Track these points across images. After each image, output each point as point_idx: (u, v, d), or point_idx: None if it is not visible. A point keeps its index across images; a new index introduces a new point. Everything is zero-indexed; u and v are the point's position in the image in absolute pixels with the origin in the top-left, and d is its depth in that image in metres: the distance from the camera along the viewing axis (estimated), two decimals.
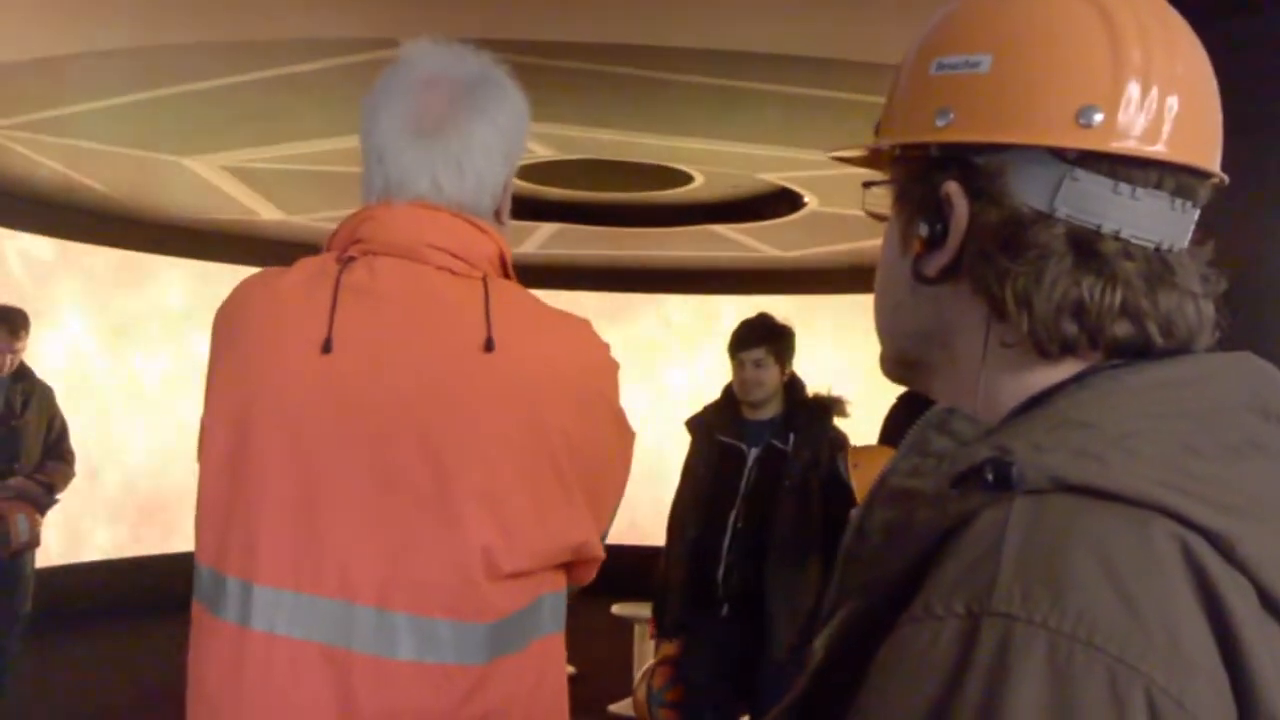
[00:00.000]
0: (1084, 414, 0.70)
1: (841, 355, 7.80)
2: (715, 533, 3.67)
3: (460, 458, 1.28)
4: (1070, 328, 0.74)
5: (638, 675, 3.95)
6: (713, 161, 6.30)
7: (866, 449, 3.34)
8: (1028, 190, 0.75)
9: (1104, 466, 0.66)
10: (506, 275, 1.43)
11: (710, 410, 3.87)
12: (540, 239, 8.37)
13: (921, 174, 0.80)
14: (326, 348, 1.30)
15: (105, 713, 5.69)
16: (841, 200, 6.65)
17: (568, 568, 1.41)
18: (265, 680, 1.29)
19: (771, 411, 3.73)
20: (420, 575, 1.28)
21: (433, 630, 1.28)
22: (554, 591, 1.39)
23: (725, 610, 3.65)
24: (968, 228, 0.77)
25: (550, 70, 4.48)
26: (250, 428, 1.32)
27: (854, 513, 0.78)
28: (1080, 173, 0.74)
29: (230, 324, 1.40)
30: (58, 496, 4.97)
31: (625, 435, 1.47)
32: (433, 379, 1.30)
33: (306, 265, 1.39)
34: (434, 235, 1.36)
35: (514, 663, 1.33)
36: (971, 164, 0.77)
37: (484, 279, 1.36)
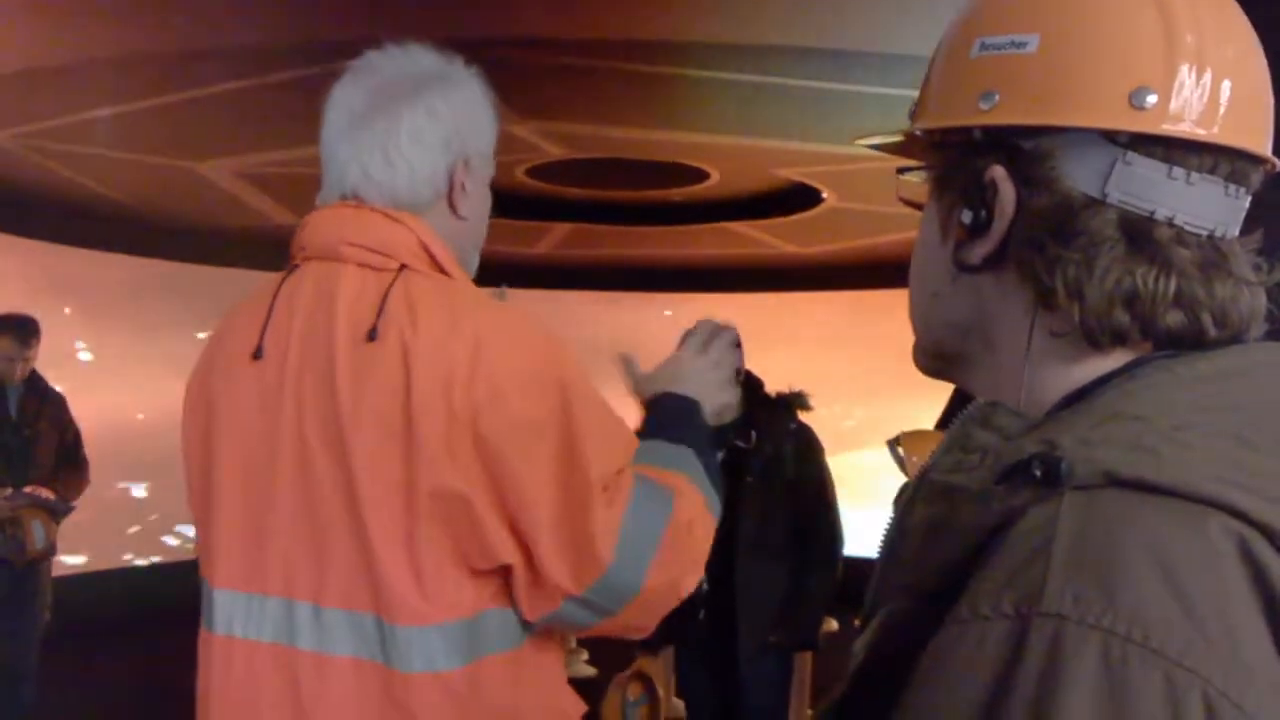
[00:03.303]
0: (1135, 406, 0.67)
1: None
2: None
3: (358, 455, 1.29)
4: (1122, 317, 0.72)
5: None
6: (729, 157, 6.27)
7: (915, 434, 3.29)
8: (1078, 175, 0.73)
9: (1158, 460, 0.63)
10: (437, 266, 1.38)
11: None
12: (555, 239, 8.35)
13: (963, 159, 0.77)
14: (256, 355, 1.37)
15: None
16: (860, 195, 6.62)
17: (512, 588, 1.33)
18: (229, 682, 1.35)
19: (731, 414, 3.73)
20: (343, 573, 1.30)
21: (362, 626, 1.30)
22: (499, 608, 1.34)
23: (702, 615, 3.67)
24: (1015, 214, 0.75)
25: (560, 68, 4.46)
26: (210, 438, 1.41)
27: (894, 511, 0.76)
28: (1133, 156, 0.72)
29: (208, 342, 1.50)
30: (73, 504, 4.97)
31: (572, 415, 1.30)
32: (325, 376, 1.32)
33: (269, 278, 1.45)
34: (349, 232, 1.38)
35: (462, 676, 1.31)
36: (1018, 148, 0.75)
37: (399, 270, 1.35)
